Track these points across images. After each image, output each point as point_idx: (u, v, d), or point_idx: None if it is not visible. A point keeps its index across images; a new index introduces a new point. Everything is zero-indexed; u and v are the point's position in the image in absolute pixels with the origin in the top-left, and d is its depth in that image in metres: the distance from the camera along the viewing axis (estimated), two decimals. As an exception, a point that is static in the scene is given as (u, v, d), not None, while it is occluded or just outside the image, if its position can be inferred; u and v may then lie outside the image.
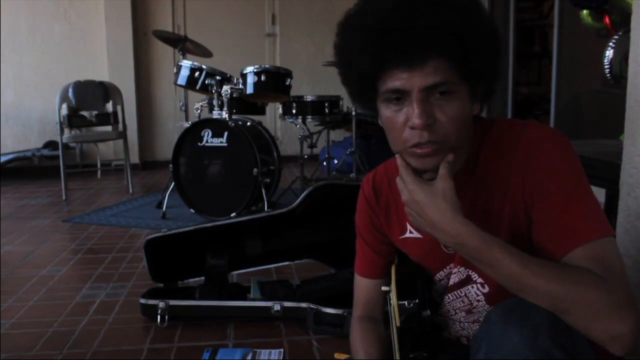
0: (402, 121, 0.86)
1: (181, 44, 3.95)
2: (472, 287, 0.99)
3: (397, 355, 0.96)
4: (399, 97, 0.85)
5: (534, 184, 0.87)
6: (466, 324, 1.04)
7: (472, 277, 0.99)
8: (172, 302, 1.95)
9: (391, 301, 0.97)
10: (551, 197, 0.85)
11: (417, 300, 0.94)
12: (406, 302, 0.94)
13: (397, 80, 0.84)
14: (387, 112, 0.88)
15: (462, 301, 1.02)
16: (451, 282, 1.02)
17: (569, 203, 0.84)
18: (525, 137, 0.90)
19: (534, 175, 0.87)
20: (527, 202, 0.88)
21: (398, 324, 0.95)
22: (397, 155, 0.91)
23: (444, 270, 1.02)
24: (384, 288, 1.06)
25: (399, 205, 1.05)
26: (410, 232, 1.04)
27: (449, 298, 1.04)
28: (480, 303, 0.99)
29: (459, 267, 0.99)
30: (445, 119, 0.84)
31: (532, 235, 0.88)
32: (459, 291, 1.02)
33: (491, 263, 0.81)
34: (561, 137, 0.90)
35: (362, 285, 1.14)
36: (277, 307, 1.92)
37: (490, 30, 0.87)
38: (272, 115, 5.52)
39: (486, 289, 0.98)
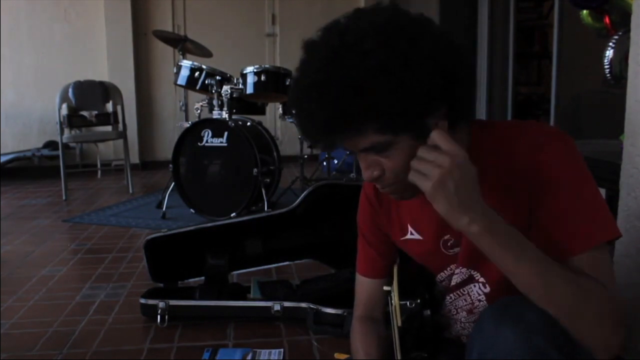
0: None
1: (181, 44, 3.95)
2: (475, 286, 0.99)
3: (398, 355, 0.96)
4: None
5: (538, 187, 0.85)
6: (467, 323, 1.04)
7: (475, 276, 0.98)
8: (172, 302, 1.95)
9: (392, 301, 0.97)
10: (556, 199, 0.84)
11: (418, 301, 0.94)
12: (408, 302, 0.94)
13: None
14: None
15: (465, 300, 1.02)
16: (453, 282, 1.02)
17: (574, 205, 0.83)
18: (526, 138, 0.88)
19: (538, 178, 0.85)
20: (532, 202, 0.87)
21: (399, 324, 0.95)
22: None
23: (445, 271, 1.02)
24: (385, 288, 1.06)
25: (399, 206, 1.05)
26: (411, 233, 1.04)
27: (450, 297, 1.04)
28: (481, 303, 0.99)
29: (461, 267, 0.99)
30: (392, 165, 0.86)
31: (532, 237, 0.86)
32: (461, 290, 1.02)
33: (517, 249, 0.78)
34: (564, 136, 0.88)
35: (364, 285, 1.14)
36: (277, 307, 1.92)
37: (410, 80, 0.77)
38: (272, 115, 5.51)
39: (487, 289, 0.98)
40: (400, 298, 0.95)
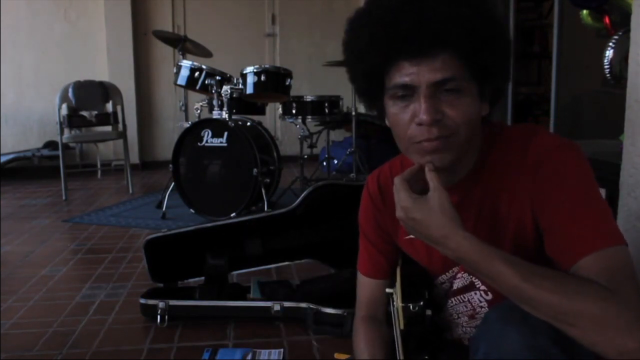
0: (409, 118, 0.85)
1: (181, 44, 3.95)
2: (476, 293, 0.99)
3: (400, 357, 0.96)
4: (406, 94, 0.84)
5: (542, 194, 0.85)
6: (468, 328, 1.04)
7: (476, 283, 0.98)
8: (172, 302, 1.95)
9: (394, 303, 0.96)
10: (560, 207, 0.82)
11: (421, 303, 0.94)
12: (411, 305, 0.93)
13: (405, 76, 0.82)
14: (393, 109, 0.87)
15: (465, 306, 1.01)
16: (454, 286, 1.01)
17: (578, 212, 0.81)
18: (534, 144, 0.88)
19: (543, 185, 0.85)
20: (534, 210, 0.86)
21: (402, 327, 0.94)
22: (397, 160, 0.90)
23: (447, 273, 1.02)
24: (388, 290, 1.06)
25: None
26: None
27: (452, 302, 1.03)
28: (483, 309, 0.99)
29: (462, 272, 0.99)
30: (454, 114, 0.83)
31: (544, 247, 0.85)
32: (462, 296, 1.01)
33: (491, 276, 0.77)
34: (571, 145, 0.87)
35: (366, 285, 1.14)
36: (277, 307, 1.92)
37: (500, 27, 0.85)
38: (272, 115, 5.52)
39: (489, 296, 0.97)
40: (403, 300, 0.95)
